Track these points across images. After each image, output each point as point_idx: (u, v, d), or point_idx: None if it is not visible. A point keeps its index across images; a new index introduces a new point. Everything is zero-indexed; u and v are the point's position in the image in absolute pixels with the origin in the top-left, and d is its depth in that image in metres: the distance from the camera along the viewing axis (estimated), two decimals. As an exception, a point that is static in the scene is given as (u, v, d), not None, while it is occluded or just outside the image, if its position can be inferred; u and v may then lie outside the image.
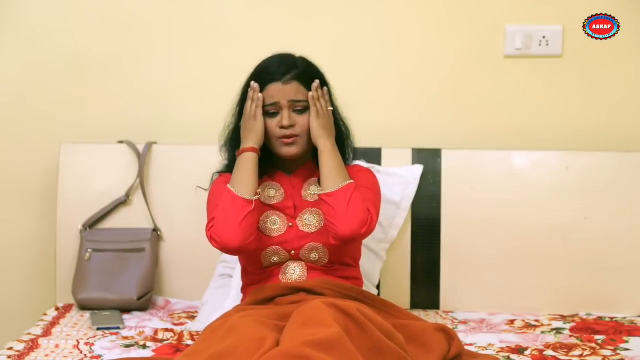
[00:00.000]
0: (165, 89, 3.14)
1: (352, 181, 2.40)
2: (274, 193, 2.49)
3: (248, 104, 2.44)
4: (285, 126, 2.41)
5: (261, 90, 2.42)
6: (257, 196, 2.39)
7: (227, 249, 2.40)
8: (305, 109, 2.43)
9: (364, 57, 3.07)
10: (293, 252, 2.44)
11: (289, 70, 2.43)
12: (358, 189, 2.40)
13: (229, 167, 2.50)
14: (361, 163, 2.71)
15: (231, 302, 2.66)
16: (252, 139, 2.43)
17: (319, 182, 2.45)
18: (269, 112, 2.43)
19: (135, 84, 3.13)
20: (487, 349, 2.53)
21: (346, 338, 2.04)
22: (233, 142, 2.51)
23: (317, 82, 2.43)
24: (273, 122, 2.43)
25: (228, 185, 2.41)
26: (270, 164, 2.51)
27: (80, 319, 2.82)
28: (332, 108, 2.45)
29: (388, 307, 2.42)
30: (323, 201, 2.39)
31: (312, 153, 2.50)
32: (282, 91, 2.41)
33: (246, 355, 2.04)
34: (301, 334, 2.05)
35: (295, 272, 2.44)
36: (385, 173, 2.90)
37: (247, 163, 2.41)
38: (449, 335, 2.29)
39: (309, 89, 2.43)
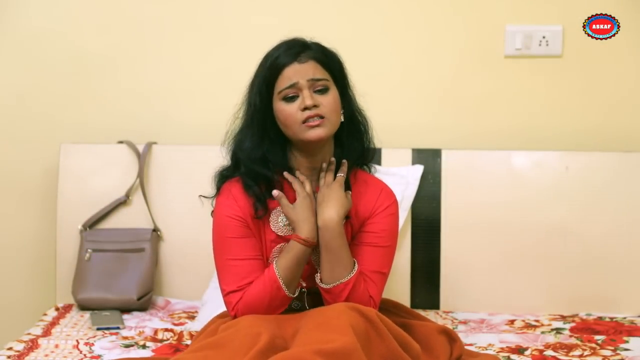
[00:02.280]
0: (165, 90, 3.14)
1: (353, 273, 2.19)
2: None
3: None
4: (309, 106, 2.17)
5: (276, 77, 2.20)
6: (299, 289, 2.24)
7: None
8: (326, 89, 2.20)
9: (363, 58, 3.06)
10: (303, 290, 2.29)
11: (303, 49, 2.22)
12: (361, 274, 2.21)
13: (235, 172, 2.30)
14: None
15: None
16: (315, 228, 2.21)
17: None
18: (287, 96, 2.19)
19: (135, 84, 3.13)
20: (487, 349, 2.53)
21: (360, 350, 1.99)
22: (240, 144, 2.27)
23: (332, 158, 2.26)
24: (293, 107, 2.18)
25: (277, 274, 2.18)
26: (278, 184, 2.27)
27: (80, 319, 2.82)
28: (342, 175, 2.25)
29: (389, 305, 2.40)
30: (320, 288, 2.22)
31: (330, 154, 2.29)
32: (300, 70, 2.19)
33: (239, 349, 2.02)
34: (314, 338, 2.00)
35: (298, 305, 2.31)
36: (385, 173, 2.89)
37: (304, 259, 2.21)
38: (451, 338, 2.29)
39: (327, 69, 2.22)
